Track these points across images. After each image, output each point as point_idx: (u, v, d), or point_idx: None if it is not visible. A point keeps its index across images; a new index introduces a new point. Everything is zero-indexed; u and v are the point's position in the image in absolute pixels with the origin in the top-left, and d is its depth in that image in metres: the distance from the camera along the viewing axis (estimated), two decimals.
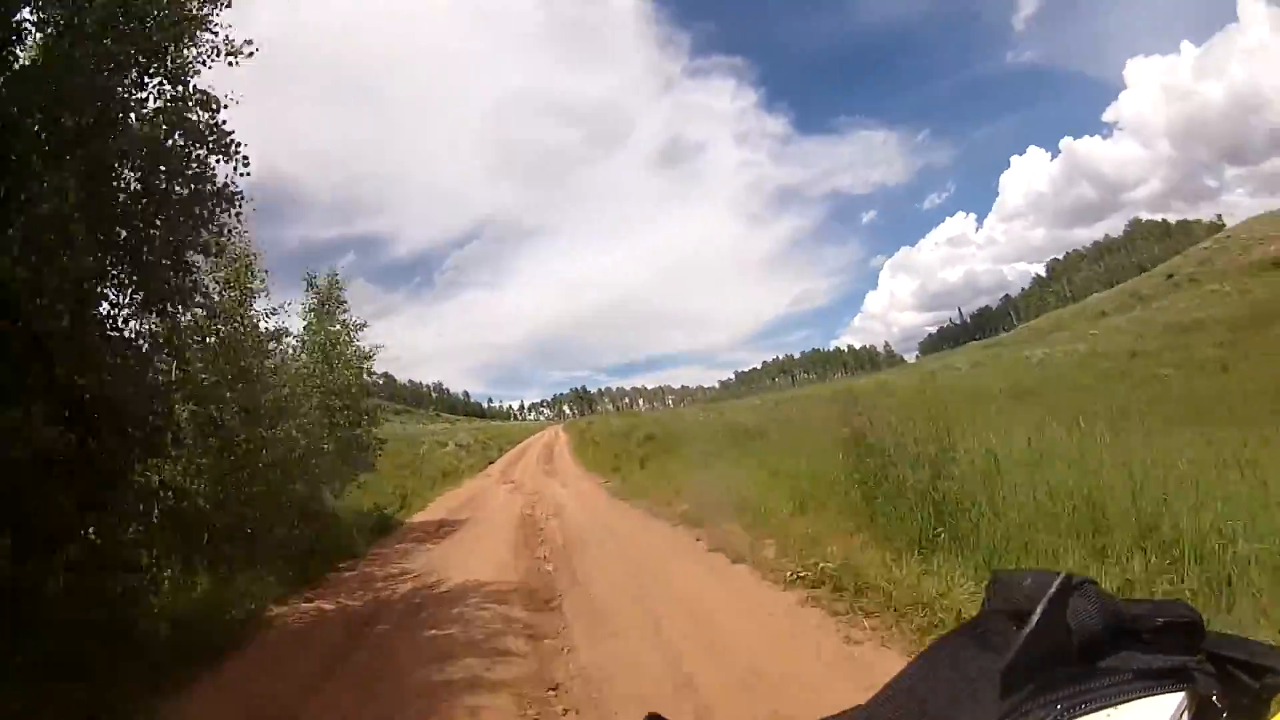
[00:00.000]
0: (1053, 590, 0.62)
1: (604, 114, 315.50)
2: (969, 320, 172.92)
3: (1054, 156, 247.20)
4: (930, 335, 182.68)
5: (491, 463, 36.60)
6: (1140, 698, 0.62)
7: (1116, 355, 49.67)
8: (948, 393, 18.16)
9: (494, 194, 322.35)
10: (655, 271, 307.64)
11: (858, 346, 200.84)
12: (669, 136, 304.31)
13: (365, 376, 17.82)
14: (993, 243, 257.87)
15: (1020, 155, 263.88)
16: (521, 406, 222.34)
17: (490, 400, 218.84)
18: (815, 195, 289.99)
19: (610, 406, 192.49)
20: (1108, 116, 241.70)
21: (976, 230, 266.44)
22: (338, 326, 17.29)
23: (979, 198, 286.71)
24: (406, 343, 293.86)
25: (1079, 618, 0.64)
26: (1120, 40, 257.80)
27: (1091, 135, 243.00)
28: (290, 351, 15.62)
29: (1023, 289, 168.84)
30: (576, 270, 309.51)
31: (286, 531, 11.26)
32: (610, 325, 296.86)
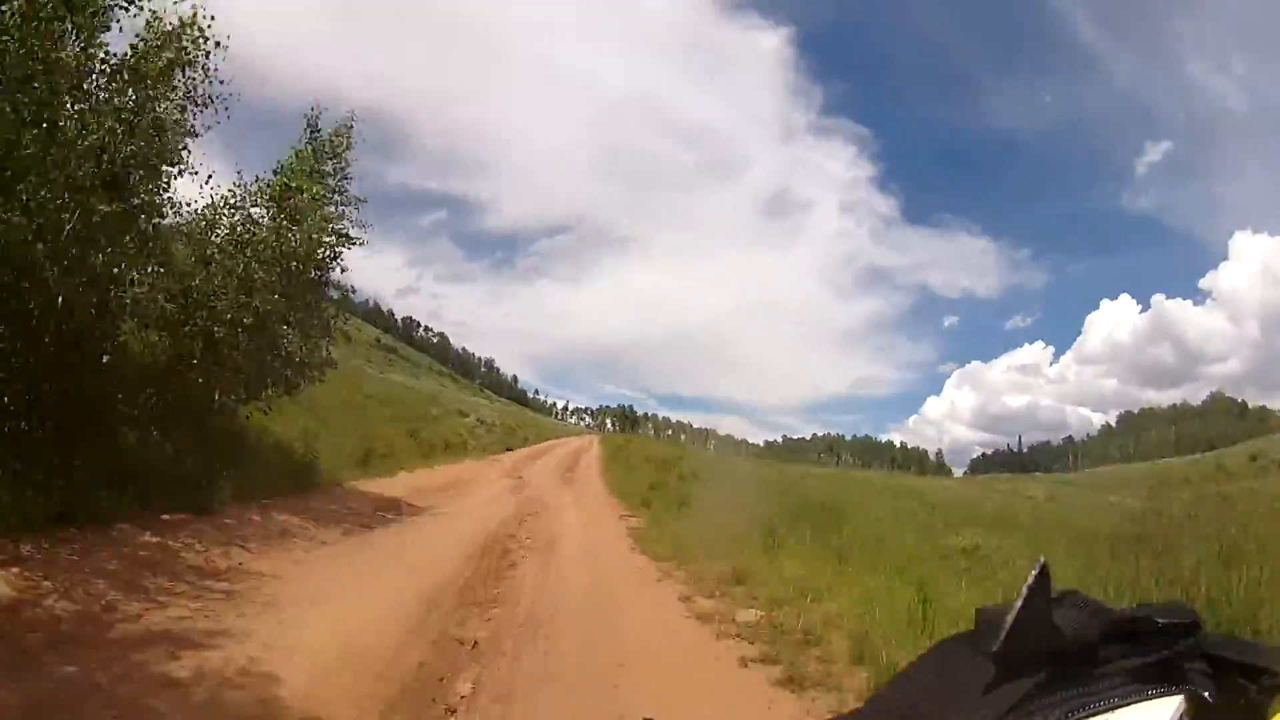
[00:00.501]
0: (1034, 574, 0.60)
1: (720, 144, 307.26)
2: (1025, 451, 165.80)
3: (1143, 310, 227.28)
4: (983, 455, 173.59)
5: (509, 450, 31.64)
6: (1138, 700, 0.61)
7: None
8: (1058, 526, 14.67)
9: (594, 192, 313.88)
10: (729, 314, 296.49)
11: (909, 446, 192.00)
12: (779, 185, 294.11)
13: (321, 264, 12.36)
14: (1063, 380, 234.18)
15: (1112, 300, 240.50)
16: (565, 407, 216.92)
17: (536, 392, 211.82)
18: (904, 285, 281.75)
19: (652, 432, 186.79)
20: (1204, 284, 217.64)
21: (1050, 364, 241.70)
22: (320, 190, 12.04)
23: (1061, 332, 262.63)
24: (473, 311, 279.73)
25: (1073, 623, 0.63)
26: (1233, 210, 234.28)
27: (1184, 299, 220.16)
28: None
29: (1088, 434, 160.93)
30: (654, 290, 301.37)
31: None
32: (672, 353, 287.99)
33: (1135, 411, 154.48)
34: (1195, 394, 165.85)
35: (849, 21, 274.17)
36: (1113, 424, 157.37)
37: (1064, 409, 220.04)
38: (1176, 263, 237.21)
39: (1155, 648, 0.63)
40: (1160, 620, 0.64)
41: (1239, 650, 0.64)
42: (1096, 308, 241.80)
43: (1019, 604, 0.60)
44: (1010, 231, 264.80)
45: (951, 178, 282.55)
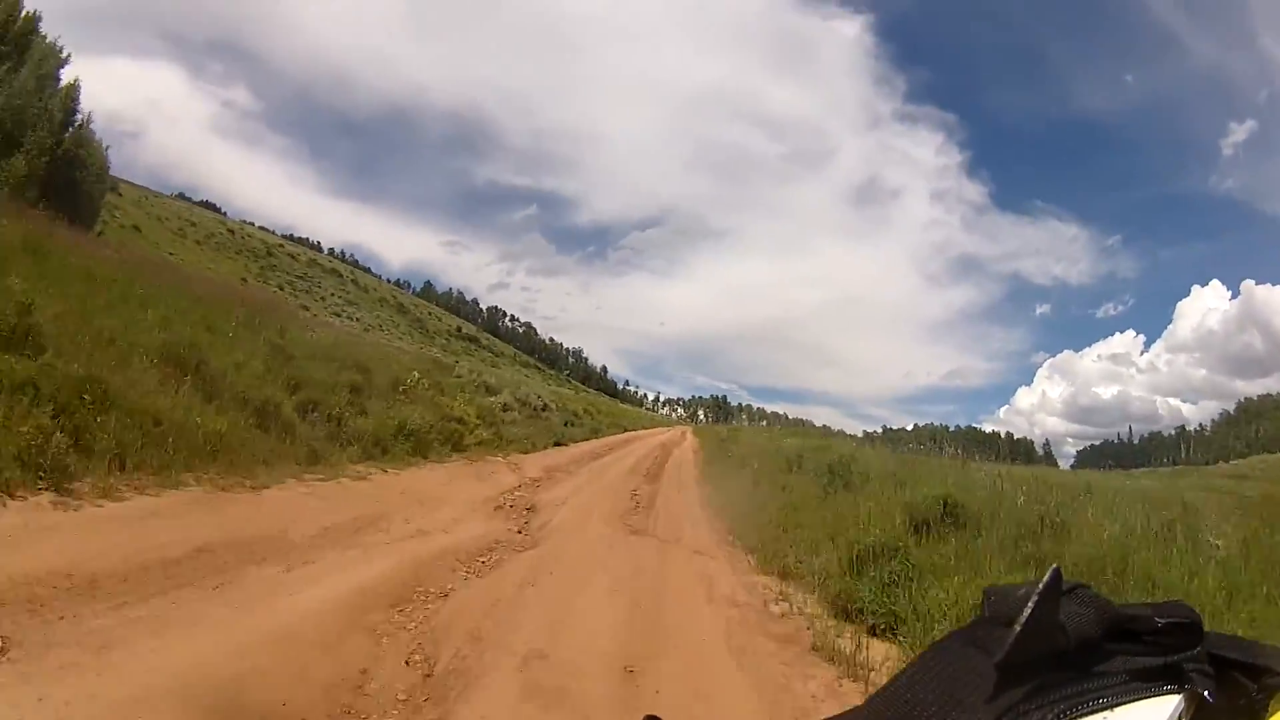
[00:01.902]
0: (1044, 583, 0.59)
1: (807, 134, 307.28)
2: (1135, 442, 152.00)
3: (1233, 296, 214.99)
4: (1090, 446, 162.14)
5: (559, 445, 20.86)
6: (1138, 699, 0.61)
7: None
8: None
9: (683, 185, 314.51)
10: (821, 303, 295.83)
11: (1015, 436, 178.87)
12: (867, 174, 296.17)
13: None
14: (1154, 370, 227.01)
15: (1202, 286, 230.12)
16: (657, 398, 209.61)
17: (627, 383, 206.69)
18: (995, 273, 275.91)
19: (746, 421, 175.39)
20: None
21: (1141, 353, 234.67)
22: None
23: (1153, 320, 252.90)
24: (563, 306, 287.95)
25: (1075, 620, 0.62)
26: None
27: (1274, 284, 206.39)
28: None
29: (1201, 424, 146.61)
30: (745, 281, 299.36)
31: None
32: (763, 344, 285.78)
33: (1254, 398, 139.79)
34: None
35: (927, 7, 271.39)
36: (1227, 411, 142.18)
37: (1154, 400, 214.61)
38: (1267, 246, 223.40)
39: (1155, 646, 0.62)
40: (1160, 619, 0.63)
41: (1239, 649, 0.64)
42: (1187, 294, 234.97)
43: (1028, 613, 0.58)
44: (1100, 217, 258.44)
45: (1040, 163, 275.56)
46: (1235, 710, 0.62)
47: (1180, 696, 0.61)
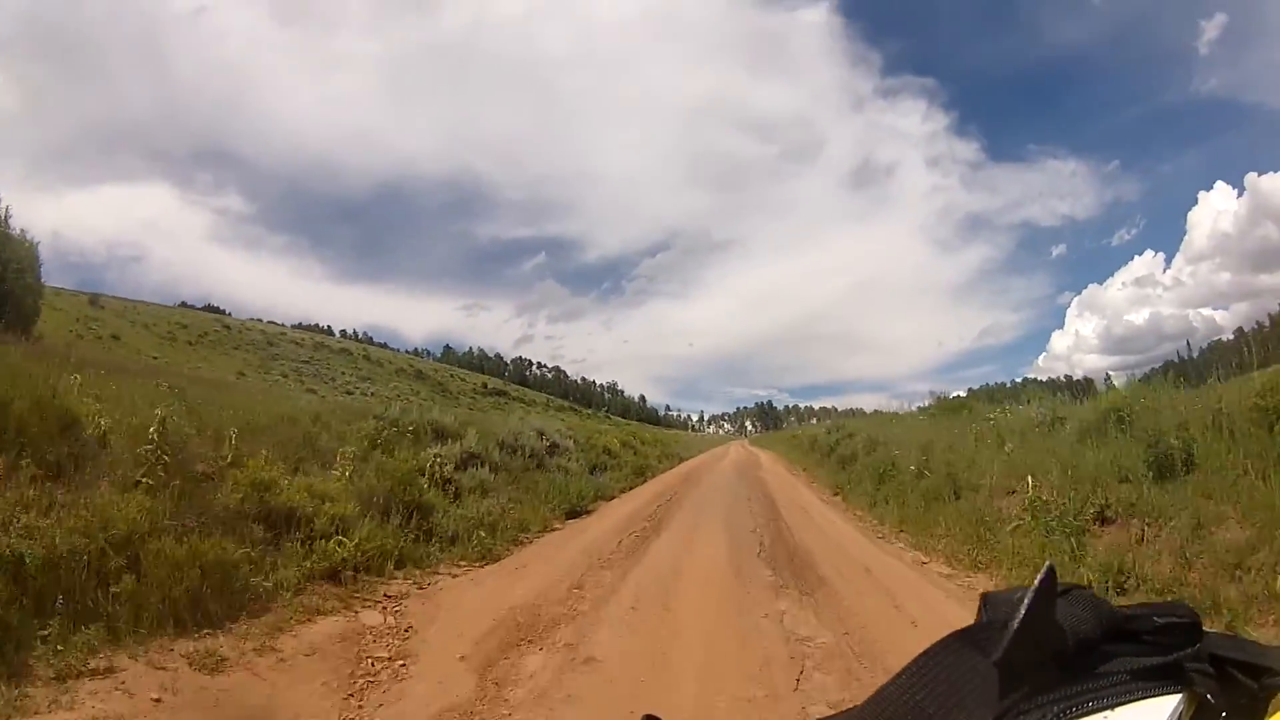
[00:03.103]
0: (1038, 580, 0.59)
1: (794, 129, 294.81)
2: (1195, 355, 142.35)
3: (1240, 193, 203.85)
4: (1153, 370, 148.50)
5: (575, 515, 11.56)
6: (1138, 699, 0.60)
7: None
8: None
9: (684, 204, 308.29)
10: (841, 292, 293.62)
11: (1075, 378, 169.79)
12: (860, 156, 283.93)
13: None
14: (1179, 284, 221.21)
15: (1208, 191, 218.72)
16: (701, 417, 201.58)
17: (668, 409, 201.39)
18: (1005, 224, 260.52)
19: (796, 424, 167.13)
20: None
21: (1164, 270, 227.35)
22: None
23: (1168, 235, 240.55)
24: (590, 347, 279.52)
25: (1073, 620, 0.61)
26: None
27: (1277, 171, 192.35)
28: None
29: (1258, 322, 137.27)
30: (763, 286, 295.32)
31: None
32: (793, 344, 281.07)
33: None
34: None
35: None
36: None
37: (1186, 314, 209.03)
38: (1261, 136, 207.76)
39: (1155, 646, 0.62)
40: (1160, 619, 0.63)
41: (1239, 649, 0.64)
42: (1195, 203, 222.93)
43: (1023, 610, 0.57)
44: (1094, 147, 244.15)
45: (1026, 107, 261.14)
46: (1235, 710, 0.61)
47: (1180, 696, 0.60)
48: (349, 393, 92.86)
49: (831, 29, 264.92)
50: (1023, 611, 0.57)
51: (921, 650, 0.62)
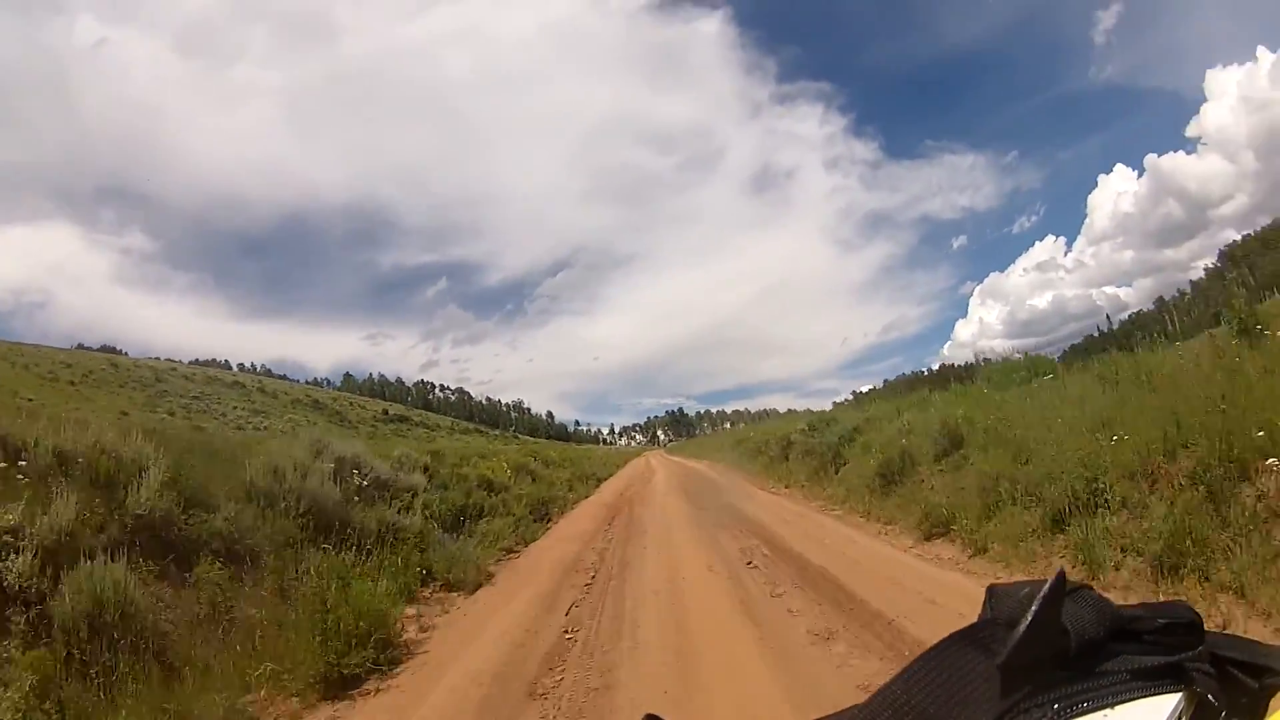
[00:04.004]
0: (1048, 586, 0.58)
1: (694, 140, 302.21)
2: (1117, 327, 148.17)
3: (1140, 175, 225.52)
4: (1072, 346, 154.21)
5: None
6: (1138, 698, 0.60)
7: None
8: None
9: (587, 221, 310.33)
10: (747, 298, 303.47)
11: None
12: (760, 163, 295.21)
13: None
14: (1082, 266, 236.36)
15: (1107, 174, 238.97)
16: (611, 430, 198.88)
17: (577, 424, 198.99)
18: (906, 220, 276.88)
19: (709, 430, 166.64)
20: (1191, 131, 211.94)
21: (1065, 254, 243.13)
22: None
23: (1068, 220, 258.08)
24: (497, 368, 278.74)
25: (1075, 620, 0.60)
26: (1197, 51, 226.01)
27: (1175, 151, 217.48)
28: None
29: (1180, 290, 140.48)
30: (668, 297, 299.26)
31: None
32: (701, 352, 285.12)
33: (1237, 240, 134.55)
34: (1212, 239, 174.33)
35: None
36: (1214, 265, 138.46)
37: (1090, 293, 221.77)
38: (1159, 119, 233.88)
39: (1156, 646, 0.62)
40: (1161, 619, 0.63)
41: (1239, 649, 0.64)
42: (1095, 186, 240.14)
43: (1031, 616, 0.56)
44: (993, 139, 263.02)
45: (923, 105, 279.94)
46: (1236, 710, 0.61)
47: (1180, 696, 0.60)
48: (239, 428, 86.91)
49: (727, 39, 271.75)
50: (1030, 616, 0.56)
51: (924, 650, 0.62)
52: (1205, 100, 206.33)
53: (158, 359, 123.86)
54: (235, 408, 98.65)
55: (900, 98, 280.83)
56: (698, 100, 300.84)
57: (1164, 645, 0.61)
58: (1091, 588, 0.63)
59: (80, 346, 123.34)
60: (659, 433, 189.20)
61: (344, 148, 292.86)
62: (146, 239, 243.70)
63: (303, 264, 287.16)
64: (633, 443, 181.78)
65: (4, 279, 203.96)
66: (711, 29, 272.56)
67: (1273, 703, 0.62)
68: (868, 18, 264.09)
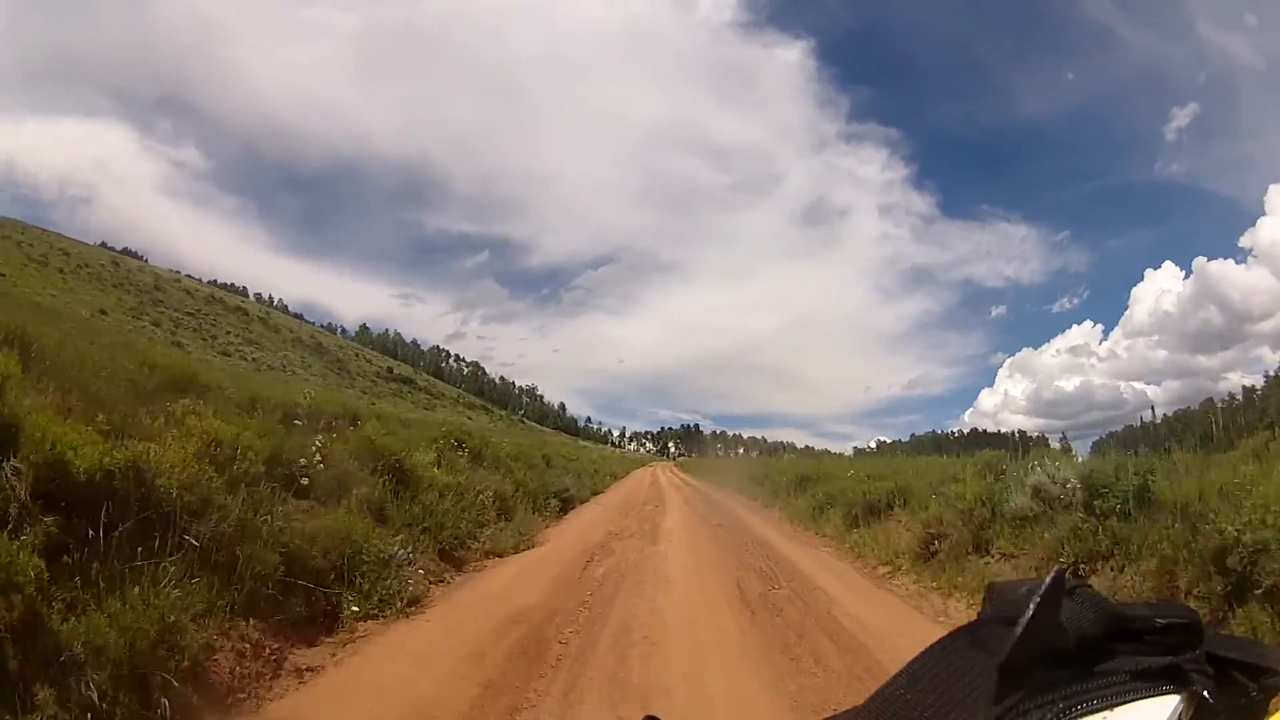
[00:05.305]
0: (1046, 584, 0.58)
1: (754, 161, 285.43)
2: (1157, 422, 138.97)
3: (1186, 276, 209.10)
4: (1110, 434, 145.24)
5: None
6: (1138, 698, 0.59)
7: None
8: None
9: (634, 221, 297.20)
10: (777, 327, 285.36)
11: (1030, 435, 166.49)
12: (814, 196, 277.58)
13: None
14: (1114, 357, 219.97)
15: (1154, 269, 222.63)
16: (622, 433, 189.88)
17: (589, 420, 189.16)
18: (948, 280, 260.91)
19: (720, 450, 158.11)
20: (1244, 241, 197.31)
21: (1100, 342, 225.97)
22: None
23: (1109, 308, 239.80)
24: (521, 352, 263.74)
25: (1075, 620, 0.60)
26: (1266, 164, 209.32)
27: (1225, 259, 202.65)
28: None
29: (1230, 395, 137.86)
30: (700, 312, 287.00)
31: None
32: (723, 372, 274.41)
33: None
34: (1245, 354, 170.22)
35: (865, 27, 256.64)
36: (1254, 389, 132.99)
37: (1118, 385, 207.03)
38: (1214, 224, 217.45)
39: (1156, 647, 0.61)
40: (1160, 619, 0.62)
41: (1239, 649, 0.63)
42: (1140, 279, 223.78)
43: (1030, 614, 0.56)
44: (1048, 215, 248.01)
45: (985, 169, 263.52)
46: (1235, 710, 0.60)
47: (1180, 696, 0.59)
48: (225, 354, 78.94)
49: (805, 70, 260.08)
50: (1029, 615, 0.56)
51: (924, 649, 0.61)
52: (1264, 214, 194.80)
53: (177, 272, 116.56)
54: (228, 332, 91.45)
55: (964, 157, 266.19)
56: (763, 124, 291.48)
57: (1163, 645, 0.60)
58: (1090, 587, 0.63)
59: (103, 245, 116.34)
60: (670, 444, 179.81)
61: (404, 102, 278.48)
62: (199, 155, 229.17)
63: (347, 210, 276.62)
64: (642, 449, 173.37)
65: (52, 168, 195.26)
66: (791, 58, 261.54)
67: (1272, 704, 0.60)
68: (947, 74, 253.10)
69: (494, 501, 10.68)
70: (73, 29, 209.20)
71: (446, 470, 10.09)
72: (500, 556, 9.68)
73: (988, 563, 8.12)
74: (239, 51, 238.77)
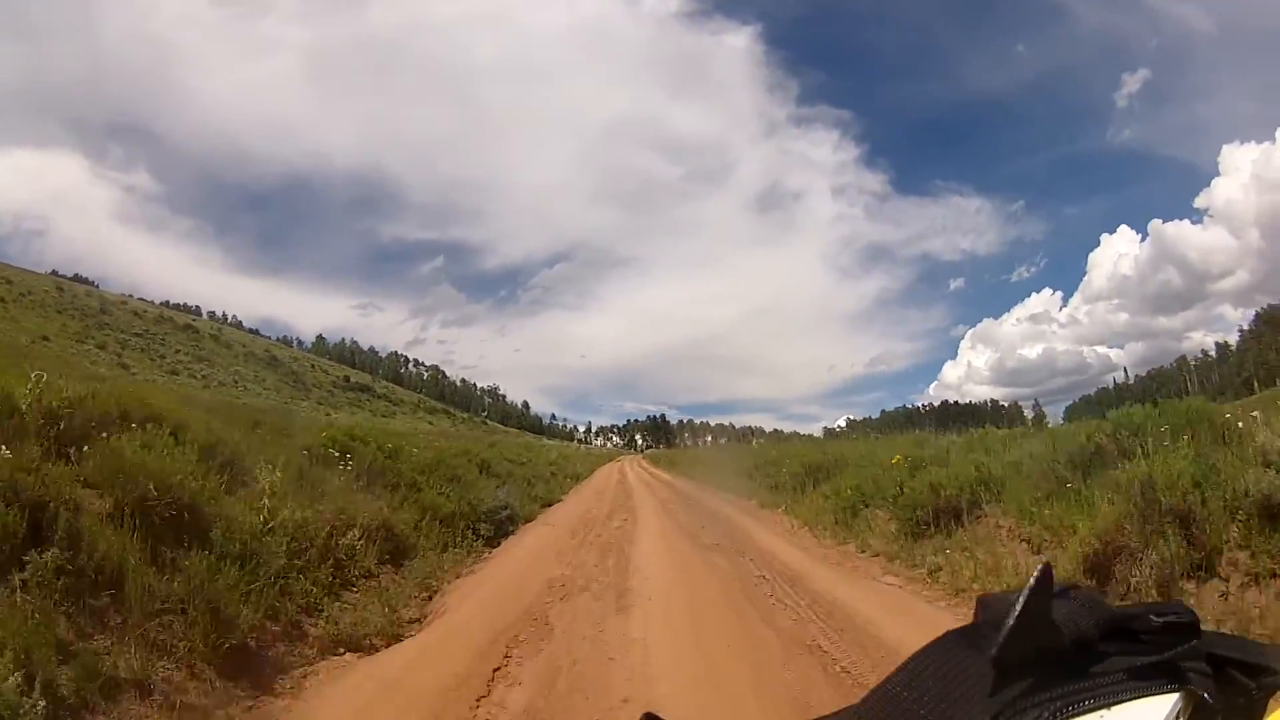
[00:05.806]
0: (1034, 578, 0.57)
1: (706, 152, 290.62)
2: (1133, 382, 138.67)
3: (1143, 239, 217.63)
4: (1083, 398, 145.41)
5: None
6: (1135, 697, 0.59)
7: None
8: None
9: (589, 218, 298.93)
10: (739, 314, 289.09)
11: (1004, 405, 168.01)
12: (768, 181, 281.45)
13: None
14: (1075, 323, 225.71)
15: (1110, 234, 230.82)
16: (589, 429, 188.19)
17: (553, 418, 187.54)
18: (906, 256, 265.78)
19: (689, 440, 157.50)
20: (1199, 202, 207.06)
21: (1060, 308, 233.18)
22: None
23: (1067, 275, 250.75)
24: (482, 353, 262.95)
25: (1071, 619, 0.60)
26: (1218, 125, 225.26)
27: (1181, 220, 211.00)
28: None
29: (1203, 352, 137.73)
30: (661, 304, 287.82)
31: None
32: (687, 362, 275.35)
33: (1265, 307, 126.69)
34: (1208, 313, 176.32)
35: (812, 9, 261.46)
36: (1228, 345, 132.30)
37: (1081, 350, 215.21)
38: (1169, 186, 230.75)
39: (1154, 646, 0.61)
40: (1158, 619, 0.61)
41: (1237, 648, 0.63)
42: (1097, 245, 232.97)
43: (1019, 607, 0.56)
44: (1002, 187, 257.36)
45: (937, 144, 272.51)
46: (1233, 709, 0.60)
47: (1178, 696, 0.59)
48: (173, 372, 76.38)
49: (754, 55, 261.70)
50: (1018, 608, 0.56)
51: (917, 649, 0.60)
52: (1218, 175, 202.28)
53: (129, 296, 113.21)
54: (178, 351, 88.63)
55: (916, 134, 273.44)
56: (715, 112, 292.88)
57: (1161, 645, 0.60)
58: (1083, 586, 0.62)
59: (54, 273, 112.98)
60: (637, 437, 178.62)
61: (358, 115, 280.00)
62: (151, 180, 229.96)
63: (303, 225, 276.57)
64: (609, 444, 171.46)
65: (2, 201, 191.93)
66: (739, 43, 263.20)
67: (1271, 703, 0.60)
68: (897, 53, 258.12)
69: (375, 544, 7.92)
70: (20, 58, 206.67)
71: (302, 498, 7.19)
72: (354, 650, 5.85)
73: (1225, 593, 4.93)
74: (190, 73, 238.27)
